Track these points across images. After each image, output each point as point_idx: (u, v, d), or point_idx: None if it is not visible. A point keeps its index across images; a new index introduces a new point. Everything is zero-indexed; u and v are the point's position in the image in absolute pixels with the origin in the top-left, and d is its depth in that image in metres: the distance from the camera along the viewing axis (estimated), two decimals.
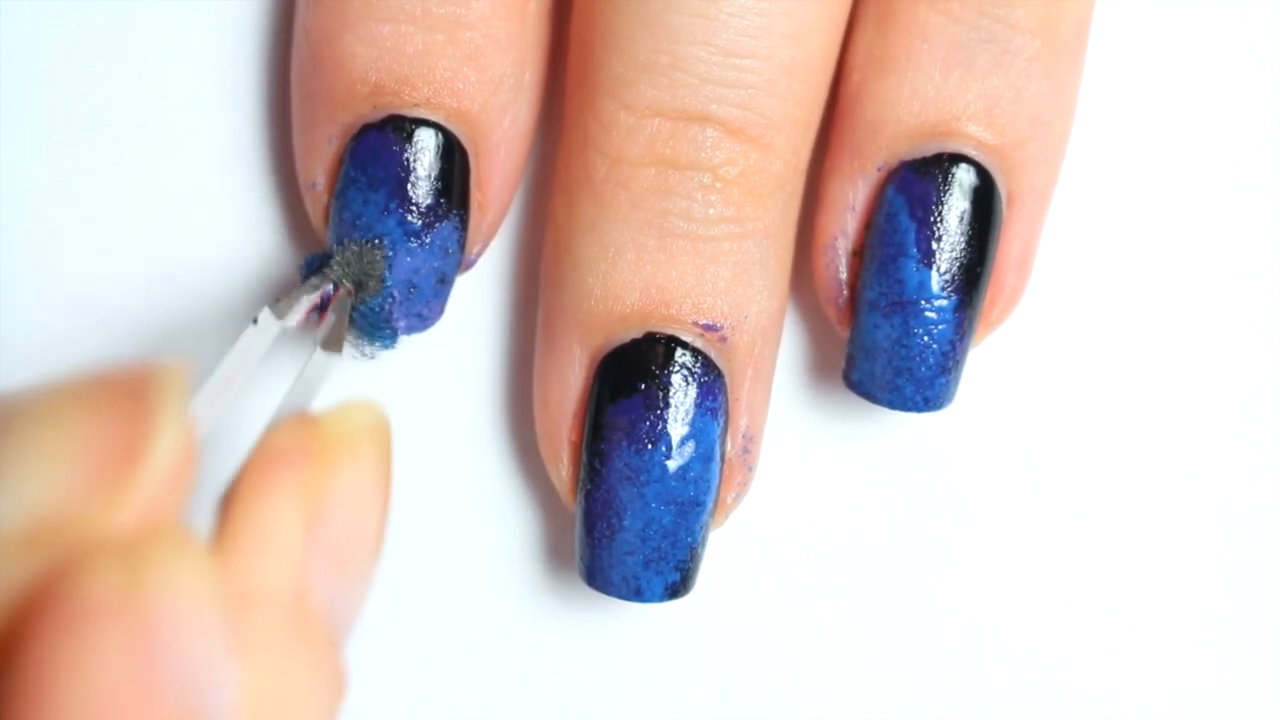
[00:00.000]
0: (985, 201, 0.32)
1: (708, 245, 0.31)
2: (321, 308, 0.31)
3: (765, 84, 0.31)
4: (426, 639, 0.35)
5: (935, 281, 0.32)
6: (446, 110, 0.31)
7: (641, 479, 0.31)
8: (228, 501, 0.25)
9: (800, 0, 0.31)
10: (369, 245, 0.31)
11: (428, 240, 0.32)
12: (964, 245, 0.32)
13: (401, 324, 0.32)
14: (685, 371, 0.31)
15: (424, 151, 0.31)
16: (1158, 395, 0.35)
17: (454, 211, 0.32)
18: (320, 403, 0.27)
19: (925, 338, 0.32)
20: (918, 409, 0.32)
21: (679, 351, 0.31)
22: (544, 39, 0.33)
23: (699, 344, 0.31)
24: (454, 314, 0.34)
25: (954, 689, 0.35)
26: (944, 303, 0.32)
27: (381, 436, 0.26)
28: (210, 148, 0.34)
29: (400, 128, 0.31)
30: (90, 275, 0.34)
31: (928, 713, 0.35)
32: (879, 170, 0.32)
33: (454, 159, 0.32)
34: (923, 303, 0.32)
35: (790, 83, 0.31)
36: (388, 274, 0.31)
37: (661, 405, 0.31)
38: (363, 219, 0.32)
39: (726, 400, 0.32)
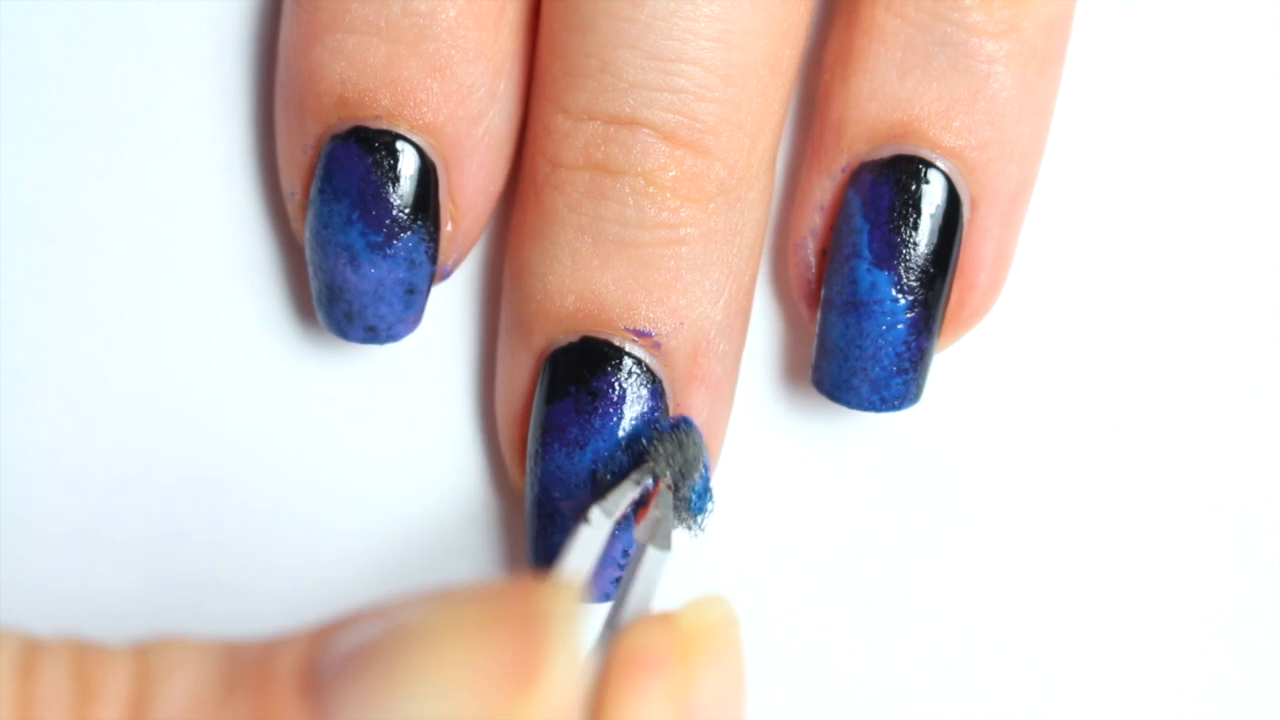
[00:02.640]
0: (944, 204, 0.31)
1: (641, 250, 0.31)
2: (641, 502, 0.31)
3: (696, 88, 0.31)
4: None
5: (888, 283, 0.31)
6: (409, 121, 0.32)
7: (571, 481, 0.32)
8: (598, 708, 0.25)
9: (731, 5, 0.30)
10: (686, 435, 0.32)
11: (391, 252, 0.32)
12: (919, 247, 0.31)
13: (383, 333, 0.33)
14: (616, 376, 0.31)
15: (386, 163, 0.31)
16: (1153, 395, 0.34)
17: (420, 223, 0.32)
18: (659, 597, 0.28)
19: (879, 339, 0.32)
20: (874, 409, 0.32)
21: (611, 356, 0.32)
22: (521, 49, 0.32)
23: (633, 349, 0.32)
24: (439, 313, 0.34)
25: (948, 691, 0.35)
26: (898, 304, 0.31)
27: (734, 632, 0.27)
28: (209, 149, 0.34)
29: (363, 139, 0.31)
30: (89, 275, 0.34)
31: (922, 714, 0.35)
32: (843, 171, 0.32)
33: (422, 170, 0.32)
34: (874, 304, 0.31)
35: (726, 87, 0.31)
36: (706, 465, 0.32)
37: (591, 409, 0.32)
38: (329, 230, 0.32)
39: (665, 406, 0.32)
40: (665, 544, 0.29)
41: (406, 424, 0.35)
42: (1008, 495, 0.35)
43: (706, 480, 0.32)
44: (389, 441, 0.35)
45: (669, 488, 0.31)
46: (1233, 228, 0.34)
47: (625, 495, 0.30)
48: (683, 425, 0.32)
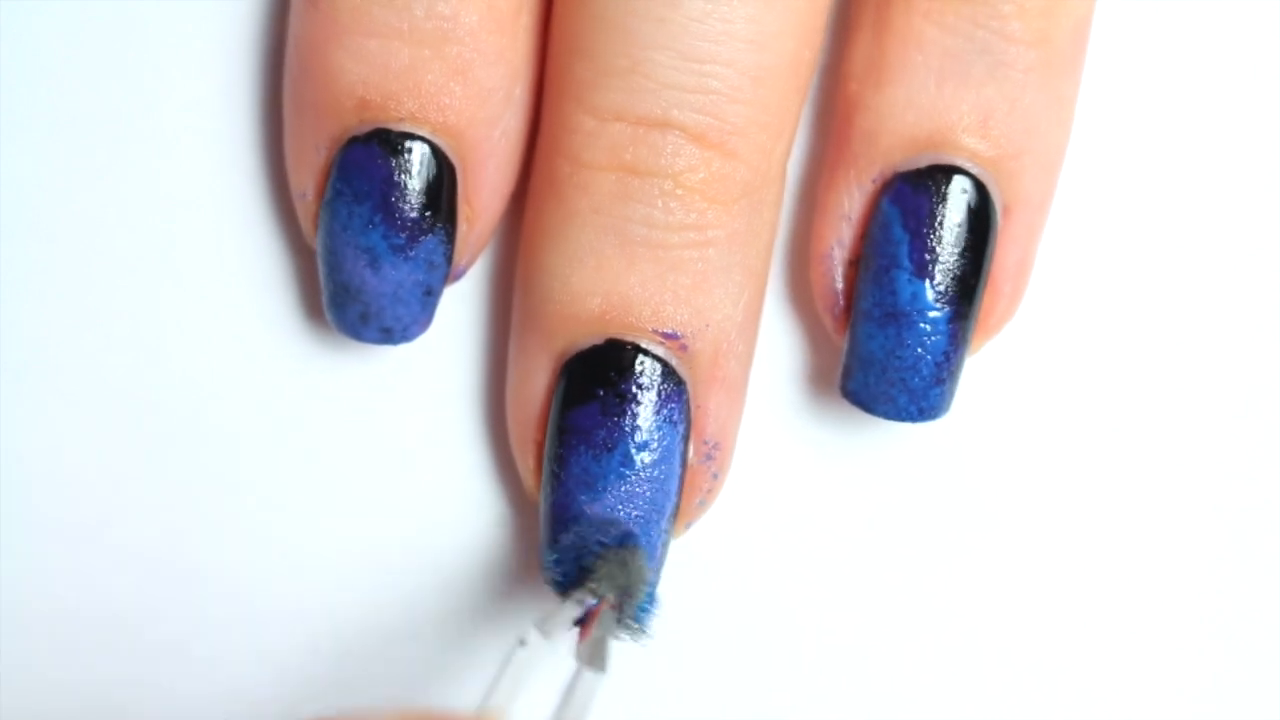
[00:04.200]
0: (979, 213, 0.31)
1: (668, 253, 0.31)
2: (582, 620, 0.30)
3: (728, 90, 0.30)
4: (407, 633, 0.35)
5: (929, 293, 0.31)
6: (433, 124, 0.31)
7: (598, 485, 0.32)
8: None
9: (764, 7, 0.30)
10: (631, 555, 0.31)
11: (412, 254, 0.32)
12: (958, 257, 0.31)
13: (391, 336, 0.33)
14: (644, 378, 0.31)
15: (409, 166, 0.31)
16: (1153, 396, 0.35)
17: (440, 225, 0.32)
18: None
19: (919, 349, 0.31)
20: (912, 419, 0.32)
21: (638, 358, 0.31)
22: (534, 53, 0.32)
23: (659, 351, 0.31)
24: (443, 313, 0.34)
25: (951, 688, 0.35)
26: (938, 314, 0.31)
27: None
28: (210, 149, 0.34)
29: (386, 141, 0.31)
30: (89, 275, 0.34)
31: (922, 707, 0.35)
32: (874, 181, 0.32)
33: (440, 172, 0.31)
34: (915, 314, 0.31)
35: (755, 89, 0.31)
36: (653, 579, 0.31)
37: (619, 412, 0.31)
38: (349, 231, 0.32)
39: (688, 408, 0.32)
40: (602, 666, 0.29)
41: (409, 424, 0.35)
42: (1008, 496, 0.35)
43: (650, 599, 0.32)
44: (391, 442, 0.35)
45: (612, 608, 0.31)
46: (1225, 231, 0.35)
47: (565, 615, 0.30)
48: (628, 543, 0.31)
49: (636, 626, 0.31)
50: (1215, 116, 0.34)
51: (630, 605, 0.31)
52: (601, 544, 0.31)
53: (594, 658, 0.29)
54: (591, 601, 0.30)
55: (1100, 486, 0.35)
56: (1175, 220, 0.35)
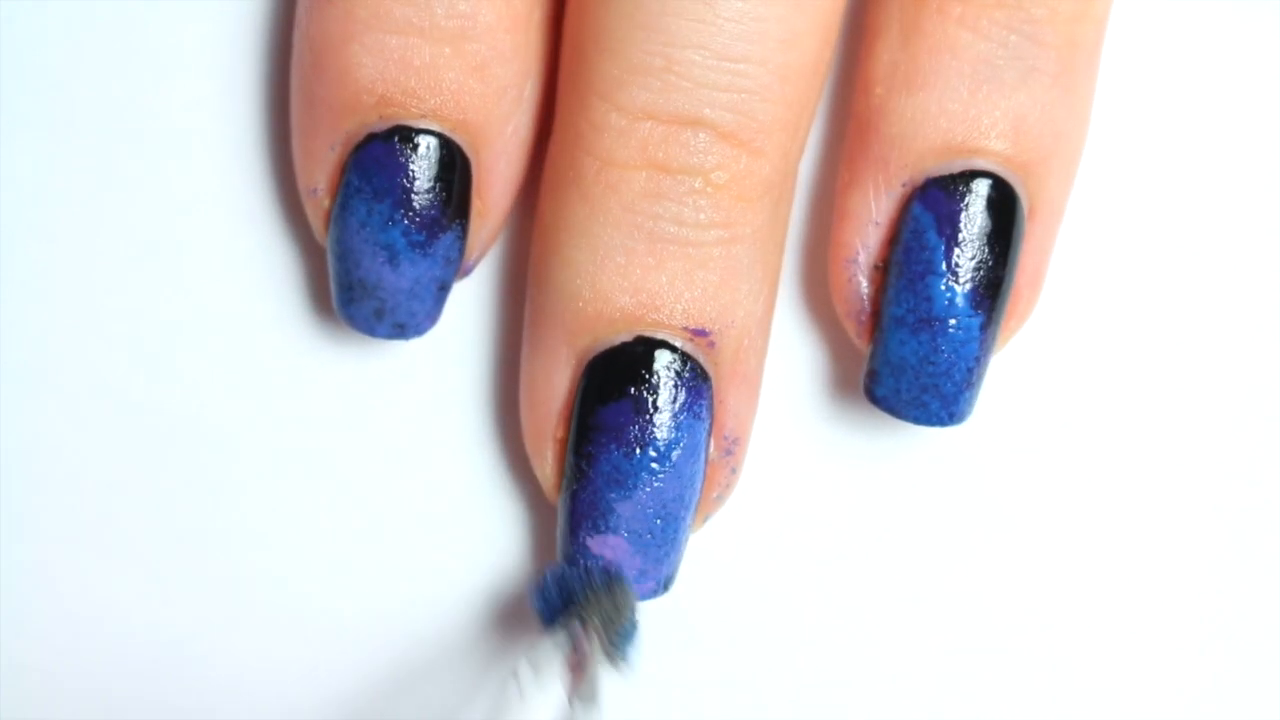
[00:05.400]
0: (1010, 217, 0.31)
1: (697, 250, 0.31)
2: (575, 659, 0.30)
3: (758, 88, 0.30)
4: (413, 634, 0.35)
5: (963, 298, 0.31)
6: (452, 122, 0.31)
7: (629, 482, 0.31)
8: None
9: (795, 6, 0.30)
10: (616, 586, 0.31)
11: (431, 250, 0.31)
12: (991, 262, 0.31)
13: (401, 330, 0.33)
14: (674, 375, 0.31)
15: (429, 162, 0.31)
16: (1153, 396, 0.35)
17: (456, 221, 0.32)
18: None
19: (952, 354, 0.31)
20: (942, 424, 0.32)
21: (668, 356, 0.31)
22: (545, 51, 0.32)
23: (688, 348, 0.31)
24: (445, 311, 0.34)
25: (951, 686, 0.35)
26: (971, 319, 0.31)
27: None
28: (211, 148, 0.34)
29: (406, 138, 0.31)
30: (91, 275, 0.34)
31: (918, 702, 0.35)
32: (904, 186, 0.32)
33: (457, 169, 0.31)
34: (951, 320, 0.31)
35: (782, 87, 0.31)
36: (635, 613, 0.32)
37: (650, 409, 0.31)
38: (367, 229, 0.31)
39: (712, 403, 0.32)
40: (592, 699, 0.30)
41: (413, 421, 0.35)
42: (1008, 496, 0.35)
43: (633, 628, 0.32)
44: (394, 439, 0.35)
45: (596, 634, 0.31)
46: (1221, 231, 0.35)
47: (555, 657, 0.30)
48: (614, 581, 0.32)
49: (620, 656, 0.32)
50: (1212, 117, 0.35)
51: (614, 635, 0.31)
52: (587, 574, 0.32)
53: (585, 694, 0.30)
54: (578, 629, 0.31)
55: (1101, 487, 0.35)
56: (1171, 220, 0.35)
